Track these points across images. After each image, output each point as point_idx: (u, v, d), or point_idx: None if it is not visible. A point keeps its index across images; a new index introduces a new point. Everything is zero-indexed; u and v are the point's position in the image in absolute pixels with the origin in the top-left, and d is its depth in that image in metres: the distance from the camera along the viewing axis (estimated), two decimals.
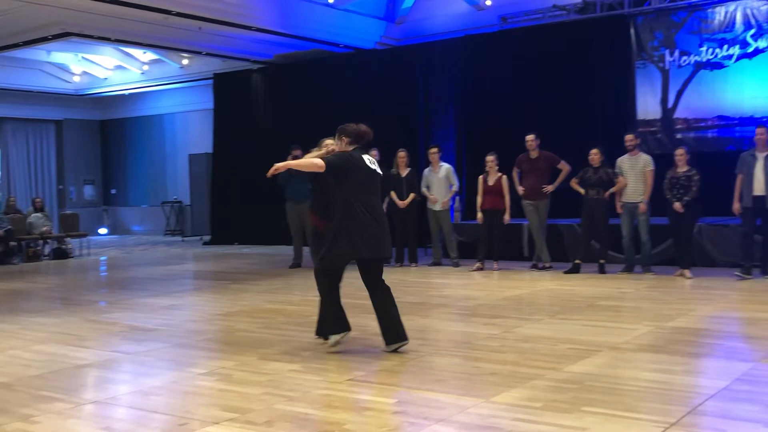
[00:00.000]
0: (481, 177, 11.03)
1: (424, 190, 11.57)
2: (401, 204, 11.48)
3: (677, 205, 9.59)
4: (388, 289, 5.74)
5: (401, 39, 15.66)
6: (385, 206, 11.53)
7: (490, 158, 10.93)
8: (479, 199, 10.99)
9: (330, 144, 6.10)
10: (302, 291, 9.22)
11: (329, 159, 5.59)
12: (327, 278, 5.76)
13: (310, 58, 16.15)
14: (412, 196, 11.51)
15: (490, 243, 10.98)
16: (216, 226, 17.76)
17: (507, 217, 10.86)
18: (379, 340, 6.03)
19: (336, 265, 5.72)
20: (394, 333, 5.68)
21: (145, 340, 6.62)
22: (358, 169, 5.61)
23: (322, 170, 5.51)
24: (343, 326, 5.83)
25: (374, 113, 14.91)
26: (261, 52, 16.21)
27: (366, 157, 5.71)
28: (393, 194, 11.56)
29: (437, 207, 11.49)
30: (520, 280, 9.92)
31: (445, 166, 11.58)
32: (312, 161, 5.59)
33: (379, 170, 5.79)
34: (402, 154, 11.60)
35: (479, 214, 10.99)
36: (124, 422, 4.32)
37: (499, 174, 10.91)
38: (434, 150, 11.58)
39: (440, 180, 11.50)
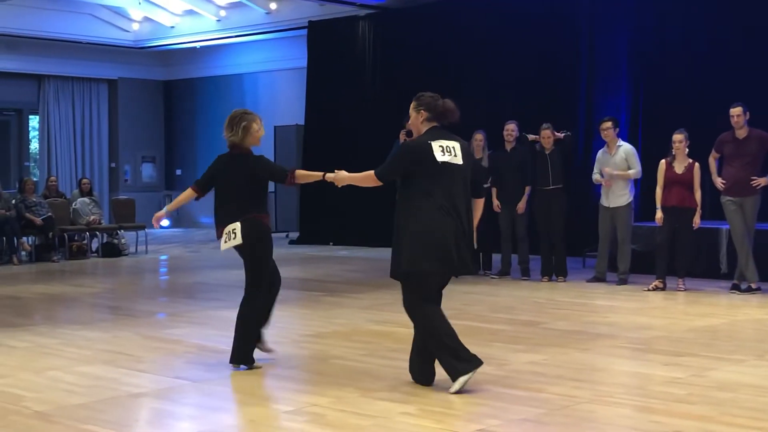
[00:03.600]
0: (663, 162, 10.78)
1: (596, 176, 11.38)
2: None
3: None
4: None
5: None
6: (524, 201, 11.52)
7: (679, 137, 10.66)
8: (659, 192, 10.74)
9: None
10: None
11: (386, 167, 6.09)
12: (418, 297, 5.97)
13: (434, 1, 16.17)
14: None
15: (673, 253, 10.74)
16: (306, 221, 18.03)
17: (697, 220, 10.59)
18: (523, 380, 5.99)
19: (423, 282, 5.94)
20: None
21: (217, 365, 6.76)
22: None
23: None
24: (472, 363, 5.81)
25: (517, 74, 14.87)
26: None
27: (437, 144, 5.89)
28: None
29: (612, 202, 11.25)
30: (716, 306, 9.71)
31: (625, 146, 11.36)
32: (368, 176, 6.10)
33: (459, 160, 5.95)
34: (545, 126, 11.48)
35: (659, 213, 10.75)
36: None
37: (690, 160, 10.63)
38: (608, 125, 11.35)
39: (617, 165, 11.27)
